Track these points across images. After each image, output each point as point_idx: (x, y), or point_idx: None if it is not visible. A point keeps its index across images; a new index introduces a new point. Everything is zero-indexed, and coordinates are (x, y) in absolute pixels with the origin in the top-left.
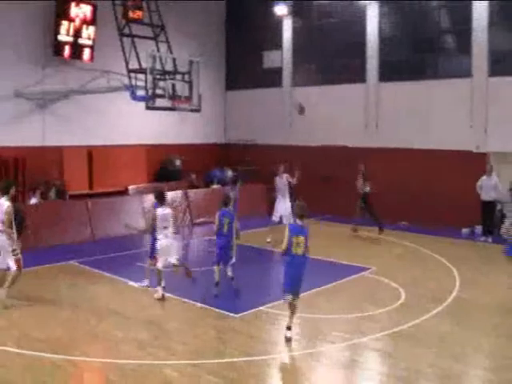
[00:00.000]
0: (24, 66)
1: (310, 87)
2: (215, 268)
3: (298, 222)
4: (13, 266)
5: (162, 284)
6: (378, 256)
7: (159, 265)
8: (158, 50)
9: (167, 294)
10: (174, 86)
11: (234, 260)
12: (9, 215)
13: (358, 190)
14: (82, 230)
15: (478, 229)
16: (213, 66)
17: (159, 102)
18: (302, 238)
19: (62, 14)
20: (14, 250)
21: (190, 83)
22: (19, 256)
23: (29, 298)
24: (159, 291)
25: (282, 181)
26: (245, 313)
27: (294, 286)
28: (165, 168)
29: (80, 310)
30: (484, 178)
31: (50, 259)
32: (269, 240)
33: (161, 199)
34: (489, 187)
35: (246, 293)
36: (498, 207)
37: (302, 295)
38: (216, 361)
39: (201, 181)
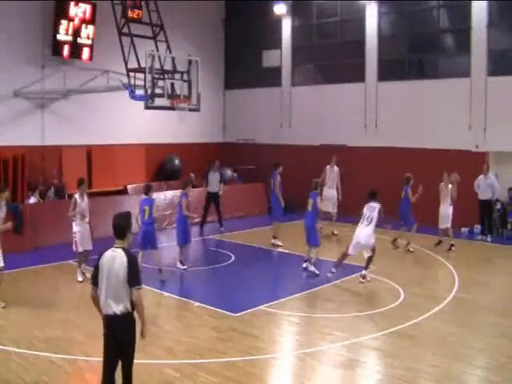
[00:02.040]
0: (23, 66)
1: (309, 86)
2: (140, 253)
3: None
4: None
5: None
6: (378, 256)
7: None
8: (157, 50)
9: (166, 294)
10: (173, 85)
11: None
12: None
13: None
14: None
15: (477, 228)
16: (212, 66)
17: (158, 102)
18: (147, 208)
19: (61, 13)
20: None
21: (189, 82)
22: None
23: (28, 297)
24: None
25: (334, 171)
26: (244, 312)
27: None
28: (164, 167)
29: (79, 309)
30: (481, 177)
31: (48, 259)
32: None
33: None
34: (486, 186)
35: (246, 292)
36: (498, 206)
37: (301, 294)
38: (216, 360)
39: (200, 180)
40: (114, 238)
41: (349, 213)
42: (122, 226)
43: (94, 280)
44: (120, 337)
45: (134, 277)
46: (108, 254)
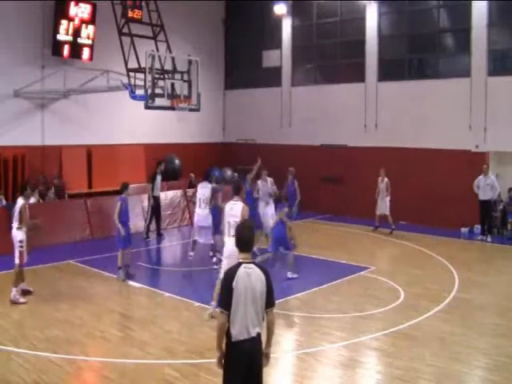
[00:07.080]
0: (23, 66)
1: (309, 86)
2: (120, 252)
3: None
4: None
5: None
6: (378, 256)
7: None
8: (157, 50)
9: (167, 294)
10: (173, 85)
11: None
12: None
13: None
14: (80, 229)
15: (477, 228)
16: (212, 66)
17: (158, 102)
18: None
19: (61, 13)
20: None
21: (189, 82)
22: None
23: (28, 297)
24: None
25: (267, 185)
26: None
27: None
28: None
29: (79, 309)
30: (481, 177)
31: (48, 258)
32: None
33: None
34: (486, 187)
35: None
36: (500, 206)
37: (301, 294)
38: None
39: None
40: (240, 250)
41: (348, 213)
42: (251, 239)
43: (228, 305)
44: (252, 360)
45: (272, 296)
46: (241, 272)
